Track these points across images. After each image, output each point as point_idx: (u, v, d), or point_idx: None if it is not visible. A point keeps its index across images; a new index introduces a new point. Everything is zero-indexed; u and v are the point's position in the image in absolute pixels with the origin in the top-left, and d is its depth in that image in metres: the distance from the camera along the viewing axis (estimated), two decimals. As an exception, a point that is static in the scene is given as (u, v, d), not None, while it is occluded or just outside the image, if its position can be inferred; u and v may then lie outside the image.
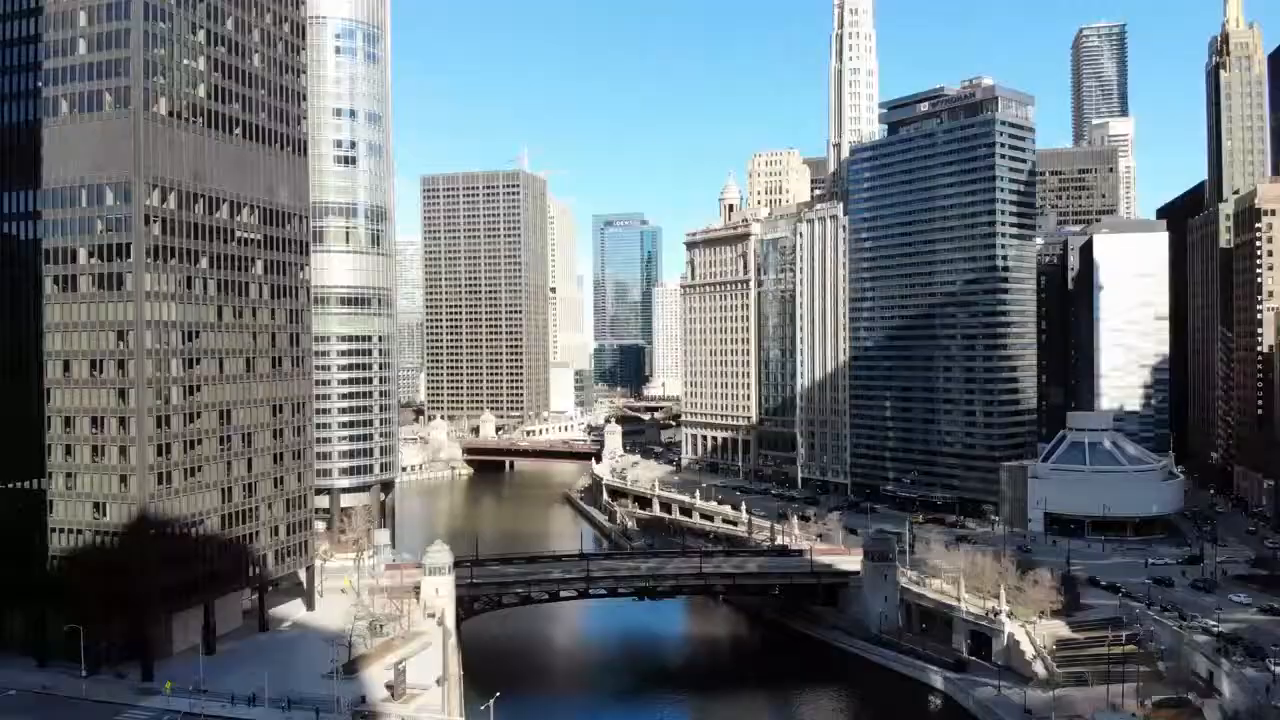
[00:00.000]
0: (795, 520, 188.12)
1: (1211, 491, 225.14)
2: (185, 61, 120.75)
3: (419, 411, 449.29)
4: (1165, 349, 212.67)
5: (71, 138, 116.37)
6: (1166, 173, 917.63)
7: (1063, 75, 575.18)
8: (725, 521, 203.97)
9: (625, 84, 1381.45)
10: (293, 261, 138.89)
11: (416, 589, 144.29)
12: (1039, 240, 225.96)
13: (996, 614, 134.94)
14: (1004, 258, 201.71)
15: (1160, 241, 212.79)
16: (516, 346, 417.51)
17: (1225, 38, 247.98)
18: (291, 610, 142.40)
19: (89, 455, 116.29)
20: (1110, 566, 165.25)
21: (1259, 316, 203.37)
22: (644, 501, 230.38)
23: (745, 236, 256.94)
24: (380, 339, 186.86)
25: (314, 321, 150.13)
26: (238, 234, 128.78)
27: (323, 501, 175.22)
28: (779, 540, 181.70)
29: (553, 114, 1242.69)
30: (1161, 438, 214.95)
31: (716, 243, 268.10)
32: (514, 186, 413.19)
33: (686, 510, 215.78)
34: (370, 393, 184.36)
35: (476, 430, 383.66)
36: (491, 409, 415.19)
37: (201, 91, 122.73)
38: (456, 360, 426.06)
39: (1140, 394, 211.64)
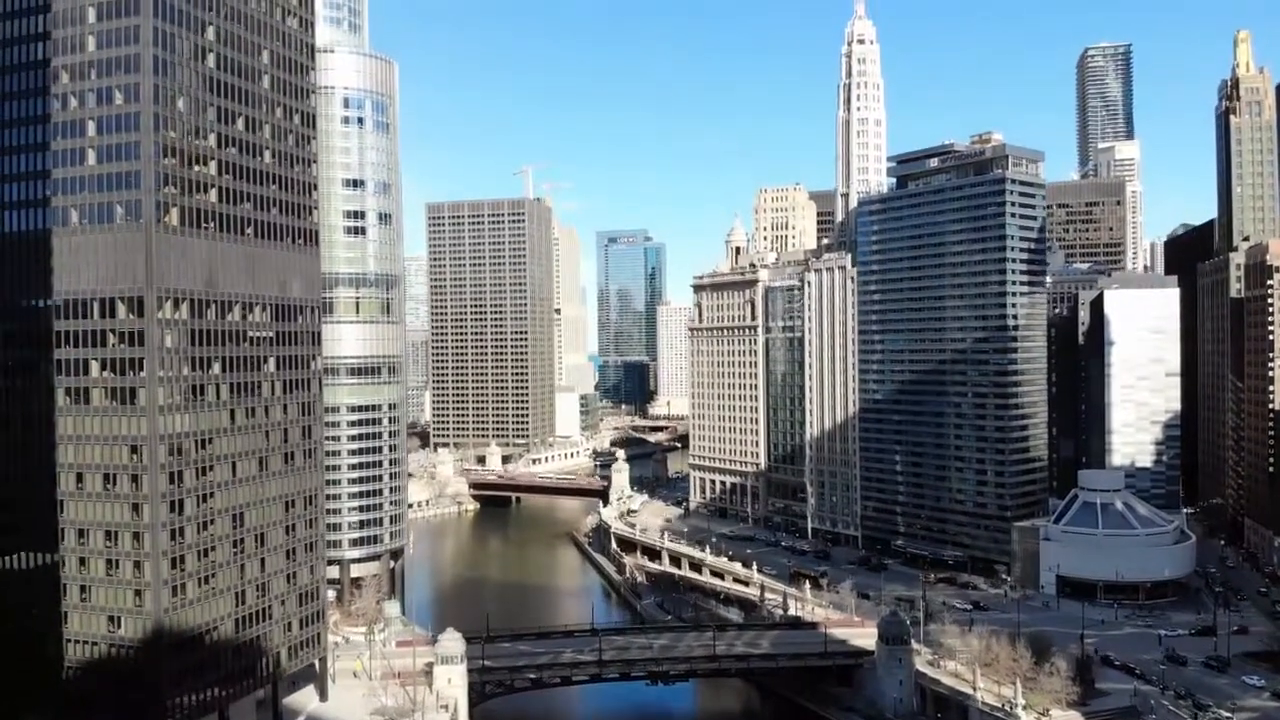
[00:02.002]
0: (808, 587, 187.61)
1: (1222, 542, 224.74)
2: (196, 168, 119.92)
3: (424, 436, 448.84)
4: (1176, 406, 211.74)
5: (82, 248, 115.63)
6: (1173, 192, 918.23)
7: (1067, 95, 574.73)
8: (736, 581, 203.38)
9: (628, 100, 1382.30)
10: (305, 354, 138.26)
11: (428, 671, 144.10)
12: (1048, 279, 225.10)
13: (1012, 706, 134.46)
14: (1014, 316, 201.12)
15: (1171, 298, 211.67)
16: (522, 372, 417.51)
17: (1235, 82, 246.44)
18: (304, 700, 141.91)
19: (103, 568, 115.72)
20: (1124, 639, 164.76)
21: (1270, 374, 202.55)
22: (653, 553, 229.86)
23: (753, 282, 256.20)
24: (390, 407, 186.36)
25: (324, 393, 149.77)
26: (250, 334, 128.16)
27: (332, 571, 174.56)
28: (791, 607, 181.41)
29: (556, 129, 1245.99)
30: (1172, 494, 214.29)
31: (723, 287, 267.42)
32: (519, 214, 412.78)
33: (697, 566, 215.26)
34: (380, 462, 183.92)
35: (482, 460, 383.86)
36: (497, 435, 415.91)
37: (213, 196, 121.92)
38: (462, 386, 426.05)
39: (1151, 451, 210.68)
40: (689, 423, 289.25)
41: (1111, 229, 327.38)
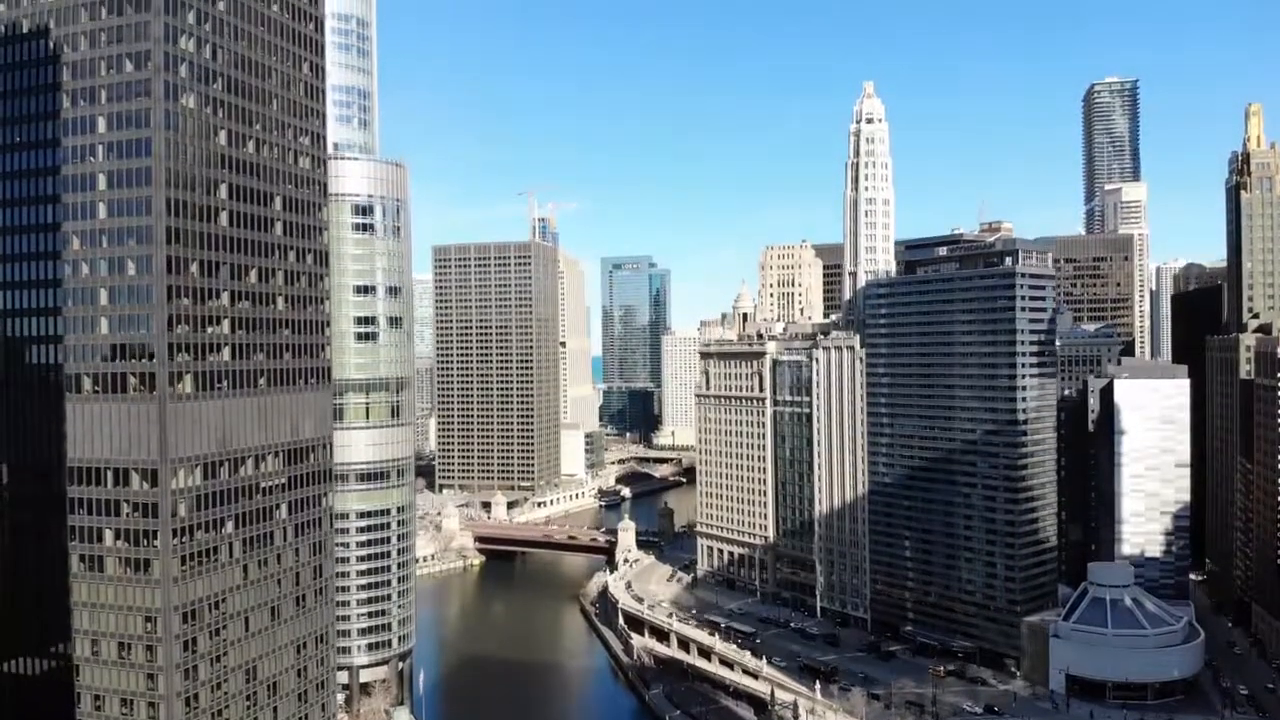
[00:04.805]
0: (818, 687, 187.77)
1: (1230, 624, 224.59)
2: (210, 329, 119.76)
3: (429, 473, 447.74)
4: (1186, 497, 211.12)
5: (95, 417, 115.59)
6: (1179, 223, 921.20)
7: (1074, 130, 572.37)
8: (745, 673, 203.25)
9: (632, 121, 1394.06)
10: (316, 493, 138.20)
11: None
12: (1058, 342, 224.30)
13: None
14: (1024, 410, 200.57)
15: (1181, 388, 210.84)
16: (527, 414, 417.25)
17: (1246, 157, 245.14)
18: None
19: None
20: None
21: (1279, 465, 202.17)
22: (661, 634, 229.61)
23: (760, 354, 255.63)
24: (399, 510, 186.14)
25: (333, 500, 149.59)
26: (262, 485, 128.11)
27: (341, 676, 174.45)
28: (802, 712, 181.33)
29: (559, 149, 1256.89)
30: (1181, 585, 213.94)
31: (731, 356, 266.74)
32: (525, 256, 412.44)
33: (705, 652, 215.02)
34: (389, 566, 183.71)
35: (487, 507, 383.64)
36: (502, 475, 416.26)
37: (226, 355, 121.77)
38: (467, 425, 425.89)
39: (1161, 541, 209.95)
40: (696, 486, 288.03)
41: (1119, 284, 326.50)
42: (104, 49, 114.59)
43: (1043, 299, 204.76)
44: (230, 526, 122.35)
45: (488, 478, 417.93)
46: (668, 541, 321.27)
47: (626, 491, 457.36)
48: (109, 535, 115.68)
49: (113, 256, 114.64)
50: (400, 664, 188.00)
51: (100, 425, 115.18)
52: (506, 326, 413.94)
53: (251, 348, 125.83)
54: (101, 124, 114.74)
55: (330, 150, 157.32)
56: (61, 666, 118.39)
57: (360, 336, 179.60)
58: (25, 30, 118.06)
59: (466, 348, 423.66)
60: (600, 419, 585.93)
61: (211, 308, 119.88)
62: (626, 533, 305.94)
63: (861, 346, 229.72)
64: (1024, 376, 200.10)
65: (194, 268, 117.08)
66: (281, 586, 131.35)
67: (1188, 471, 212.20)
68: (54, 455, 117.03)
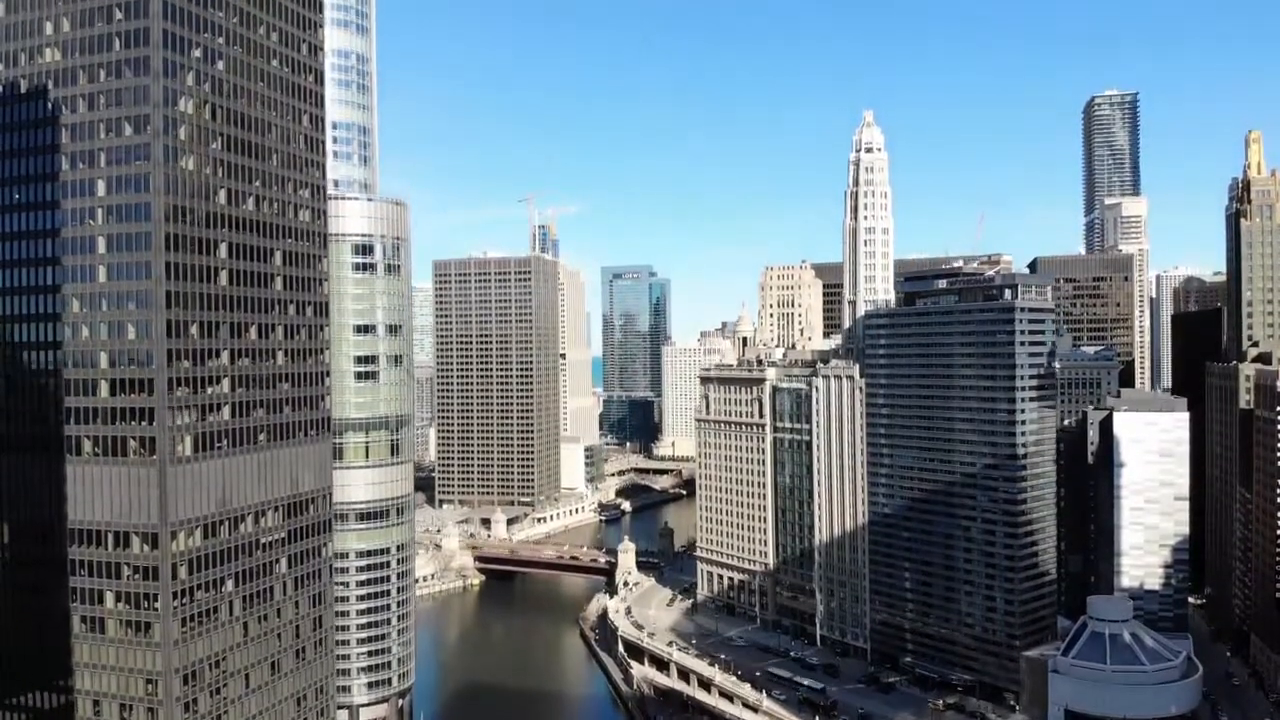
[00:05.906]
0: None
1: (1228, 654, 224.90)
2: (210, 389, 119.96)
3: (429, 488, 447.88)
4: (1185, 530, 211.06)
5: (95, 479, 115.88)
6: (1177, 231, 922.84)
7: (1074, 142, 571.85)
8: (745, 706, 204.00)
9: (631, 126, 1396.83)
10: (316, 545, 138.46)
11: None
12: (1057, 364, 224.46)
13: None
14: (1023, 444, 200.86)
15: (1180, 421, 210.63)
16: (528, 428, 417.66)
17: (1246, 184, 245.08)
18: None
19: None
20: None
21: (1278, 498, 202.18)
22: (661, 663, 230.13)
23: (760, 380, 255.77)
24: (399, 548, 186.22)
25: (333, 548, 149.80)
26: (262, 540, 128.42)
27: (341, 716, 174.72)
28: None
29: (559, 155, 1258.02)
30: (1180, 618, 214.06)
31: (730, 381, 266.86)
32: (525, 271, 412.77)
33: (705, 683, 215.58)
34: (388, 605, 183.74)
35: (487, 523, 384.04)
36: (502, 490, 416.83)
37: (226, 414, 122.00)
38: (467, 439, 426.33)
39: (1160, 574, 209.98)
40: (696, 510, 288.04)
41: (1119, 304, 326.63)
42: (103, 112, 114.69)
43: (1042, 332, 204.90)
44: (230, 585, 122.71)
45: (487, 491, 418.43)
46: (668, 562, 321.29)
47: (627, 505, 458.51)
48: (110, 597, 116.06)
49: (112, 320, 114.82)
50: (400, 701, 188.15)
51: (100, 488, 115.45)
52: (506, 340, 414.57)
53: (251, 404, 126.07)
54: (101, 187, 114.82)
55: (330, 188, 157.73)
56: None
57: (360, 376, 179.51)
58: (23, 91, 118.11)
59: (466, 361, 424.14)
60: (600, 428, 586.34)
61: (211, 368, 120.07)
62: (626, 554, 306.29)
63: (861, 376, 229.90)
64: (1023, 411, 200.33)
65: (194, 329, 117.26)
66: (281, 640, 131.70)
67: (1187, 504, 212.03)
68: (55, 517, 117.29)
